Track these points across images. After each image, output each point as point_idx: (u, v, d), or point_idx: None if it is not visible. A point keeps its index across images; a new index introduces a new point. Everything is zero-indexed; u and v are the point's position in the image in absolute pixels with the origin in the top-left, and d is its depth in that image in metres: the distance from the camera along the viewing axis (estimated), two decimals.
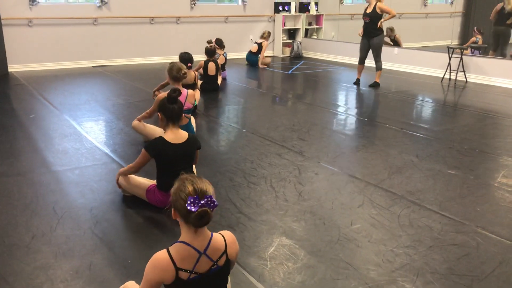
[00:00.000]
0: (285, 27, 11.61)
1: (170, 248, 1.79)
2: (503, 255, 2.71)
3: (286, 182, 3.74)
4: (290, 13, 11.59)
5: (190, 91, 4.74)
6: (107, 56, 9.85)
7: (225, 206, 3.30)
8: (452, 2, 13.61)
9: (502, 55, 8.78)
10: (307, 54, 11.73)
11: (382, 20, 7.45)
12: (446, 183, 3.79)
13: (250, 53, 9.95)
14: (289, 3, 11.55)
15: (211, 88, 7.24)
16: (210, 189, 1.75)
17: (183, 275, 1.76)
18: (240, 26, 11.15)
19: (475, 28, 10.09)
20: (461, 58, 8.21)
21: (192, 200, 1.68)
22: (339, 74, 9.39)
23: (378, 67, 7.77)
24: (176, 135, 3.15)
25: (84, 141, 4.79)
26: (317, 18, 11.95)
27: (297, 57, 11.43)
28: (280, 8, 11.40)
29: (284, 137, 4.97)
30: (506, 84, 7.89)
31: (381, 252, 2.74)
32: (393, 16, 7.43)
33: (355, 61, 10.34)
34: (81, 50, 9.55)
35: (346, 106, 6.75)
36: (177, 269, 1.75)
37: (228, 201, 3.39)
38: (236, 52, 10.85)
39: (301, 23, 11.78)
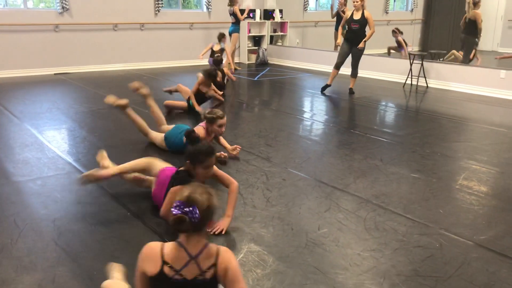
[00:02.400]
0: (250, 34, 11.67)
1: (165, 243, 1.82)
2: (465, 255, 2.79)
3: (254, 188, 3.74)
4: (255, 20, 11.66)
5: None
6: (69, 63, 9.65)
7: None
8: (412, 10, 14.00)
9: (464, 61, 9.07)
10: (273, 60, 11.82)
11: (366, 38, 7.46)
12: (410, 186, 3.87)
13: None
14: (253, 10, 11.62)
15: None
16: (201, 202, 1.75)
17: (168, 271, 1.76)
18: (205, 33, 11.14)
19: (394, 28, 10.49)
20: (422, 64, 8.44)
21: (178, 204, 1.74)
22: (305, 80, 9.50)
23: (355, 74, 7.80)
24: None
25: (46, 150, 4.66)
26: (282, 25, 12.07)
27: (262, 63, 11.50)
28: (246, 15, 11.44)
29: (251, 143, 4.98)
30: (464, 89, 8.16)
31: (348, 255, 2.77)
32: (373, 33, 7.45)
33: (320, 67, 10.52)
34: (42, 57, 9.33)
35: (311, 112, 6.82)
36: (164, 262, 1.77)
37: None
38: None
39: (266, 30, 11.87)
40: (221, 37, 9.27)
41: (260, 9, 11.77)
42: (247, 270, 2.60)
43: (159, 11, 10.48)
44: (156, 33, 10.54)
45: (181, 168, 3.16)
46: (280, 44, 12.08)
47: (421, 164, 4.42)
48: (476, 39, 8.88)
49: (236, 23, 10.21)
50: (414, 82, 8.59)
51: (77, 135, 5.25)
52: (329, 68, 9.84)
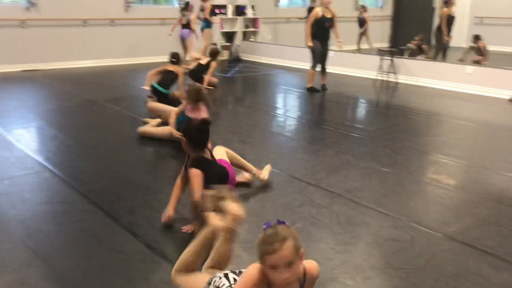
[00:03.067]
0: (222, 30, 11.62)
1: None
2: (435, 248, 2.85)
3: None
4: (227, 16, 11.61)
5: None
6: (38, 60, 9.42)
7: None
8: (382, 6, 14.18)
9: (435, 57, 9.27)
10: (246, 57, 11.81)
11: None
12: (381, 180, 3.93)
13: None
14: (225, 6, 11.57)
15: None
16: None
17: None
18: (177, 29, 11.02)
19: (360, 5, 10.67)
20: (392, 60, 8.57)
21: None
22: (278, 77, 9.52)
23: (325, 70, 7.86)
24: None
25: (14, 149, 4.55)
26: (254, 21, 12.06)
27: (235, 60, 11.48)
28: (217, 11, 11.39)
29: (225, 140, 4.96)
30: (432, 85, 8.32)
31: (322, 250, 2.80)
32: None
33: (292, 64, 10.56)
34: (8, 53, 9.07)
35: (285, 108, 6.85)
36: None
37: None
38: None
39: (238, 26, 11.84)
40: (185, 7, 9.18)
41: (232, 5, 11.74)
42: None
43: (129, 7, 10.33)
44: (127, 29, 10.39)
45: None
46: (252, 40, 12.07)
47: (392, 158, 4.50)
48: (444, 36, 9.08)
49: (208, 19, 10.15)
50: (385, 78, 8.72)
51: (46, 133, 5.14)
52: (301, 65, 9.94)
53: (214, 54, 7.65)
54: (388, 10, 14.30)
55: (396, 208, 3.40)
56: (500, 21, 11.82)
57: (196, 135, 2.98)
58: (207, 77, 7.46)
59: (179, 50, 9.34)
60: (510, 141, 5.24)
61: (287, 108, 6.88)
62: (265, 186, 3.74)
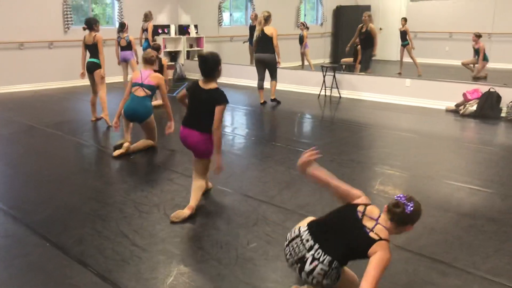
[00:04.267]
0: (166, 50, 11.55)
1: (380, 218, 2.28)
2: None
3: (180, 208, 3.67)
4: (170, 35, 11.56)
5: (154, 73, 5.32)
6: None
7: (117, 240, 3.15)
8: (322, 24, 14.62)
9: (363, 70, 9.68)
10: (190, 75, 11.76)
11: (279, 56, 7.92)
12: (331, 194, 4.00)
13: None
14: (168, 26, 11.52)
15: None
16: (416, 203, 2.29)
17: (360, 209, 2.35)
18: (112, 49, 10.83)
19: (300, 22, 11.07)
20: (334, 76, 8.83)
21: (401, 196, 2.27)
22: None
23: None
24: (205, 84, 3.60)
25: None
26: (198, 40, 12.08)
27: (180, 79, 11.41)
28: (160, 31, 11.33)
29: (174, 161, 4.91)
30: (374, 98, 8.63)
31: (278, 268, 2.81)
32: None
33: (237, 81, 10.65)
34: None
35: (232, 126, 6.87)
36: (365, 205, 2.36)
37: (119, 234, 3.24)
38: (117, 76, 10.48)
39: (182, 46, 11.82)
40: (121, 28, 8.90)
41: (175, 25, 11.71)
42: None
43: (68, 29, 10.07)
44: (66, 51, 10.09)
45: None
46: (196, 59, 12.06)
47: (340, 172, 4.59)
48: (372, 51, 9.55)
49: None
50: (328, 93, 8.95)
51: None
52: (246, 82, 10.04)
53: (155, 50, 7.39)
54: (328, 27, 14.79)
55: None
56: (434, 35, 12.50)
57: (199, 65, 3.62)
58: (165, 75, 7.32)
59: (120, 72, 9.23)
60: (449, 150, 5.51)
61: (235, 125, 6.90)
62: (218, 205, 3.72)
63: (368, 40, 9.48)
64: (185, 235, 3.23)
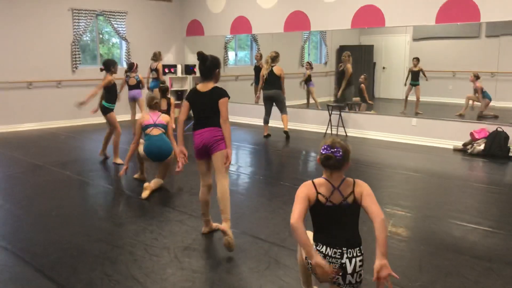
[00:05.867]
0: (172, 89, 11.69)
1: (315, 180, 2.48)
2: None
3: (191, 250, 3.63)
4: (176, 75, 11.73)
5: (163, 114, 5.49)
6: None
7: (128, 284, 3.09)
8: (326, 63, 14.81)
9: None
10: None
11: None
12: None
13: None
14: (175, 66, 11.70)
15: None
16: (340, 145, 2.43)
17: (321, 199, 2.42)
18: (125, 89, 10.97)
19: (306, 62, 11.23)
20: (340, 115, 8.88)
21: (325, 147, 2.43)
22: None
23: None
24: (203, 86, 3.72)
25: None
26: None
27: (187, 118, 11.48)
28: (166, 70, 11.49)
29: (183, 202, 4.87)
30: (380, 137, 8.64)
31: None
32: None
33: (242, 120, 10.71)
34: None
35: (237, 164, 6.85)
36: (317, 192, 2.43)
37: (130, 277, 3.18)
38: (125, 114, 10.56)
39: (188, 85, 11.97)
40: (130, 68, 8.93)
41: (181, 64, 11.89)
42: None
43: (76, 68, 10.23)
44: (74, 90, 10.21)
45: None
46: None
47: None
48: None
49: (158, 78, 10.16)
50: (334, 132, 8.98)
51: None
52: (251, 120, 10.11)
53: (163, 91, 7.46)
54: (332, 66, 14.96)
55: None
56: (437, 74, 12.61)
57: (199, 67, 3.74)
58: (172, 115, 7.34)
59: (128, 111, 9.30)
60: (458, 190, 5.46)
61: (241, 164, 6.89)
62: (229, 250, 3.66)
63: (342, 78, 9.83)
64: (197, 280, 3.17)
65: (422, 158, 7.15)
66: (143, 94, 9.15)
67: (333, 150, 2.40)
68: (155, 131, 5.25)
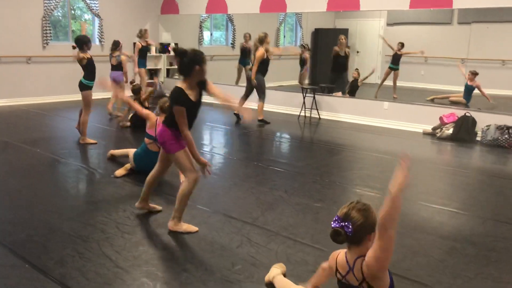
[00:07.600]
0: (146, 68, 11.51)
1: (340, 253, 2.24)
2: None
3: (163, 228, 3.64)
4: (150, 53, 11.55)
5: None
6: None
7: (100, 261, 3.09)
8: (301, 45, 14.82)
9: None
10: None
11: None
12: (315, 216, 4.03)
13: None
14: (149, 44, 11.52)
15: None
16: (356, 218, 2.08)
17: (339, 276, 2.22)
18: (98, 66, 10.76)
19: (302, 43, 11.25)
20: (314, 97, 8.93)
21: (336, 218, 2.11)
22: (203, 113, 9.51)
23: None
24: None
25: None
26: None
27: (160, 96, 11.36)
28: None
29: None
30: (352, 120, 8.75)
31: None
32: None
33: (217, 100, 10.66)
34: None
35: (210, 145, 6.86)
36: (336, 268, 2.22)
37: (102, 255, 3.18)
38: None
39: (162, 64, 11.82)
40: (115, 47, 8.46)
41: (156, 42, 11.72)
42: None
43: (47, 44, 9.97)
44: (45, 66, 9.98)
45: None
46: (176, 77, 12.07)
47: (322, 193, 4.64)
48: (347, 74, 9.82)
49: (141, 57, 9.82)
50: (308, 114, 9.04)
51: None
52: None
53: (135, 91, 7.45)
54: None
55: (331, 243, 3.43)
56: (410, 59, 12.78)
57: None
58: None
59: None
60: (427, 172, 5.61)
61: (213, 145, 6.89)
62: (202, 226, 3.68)
63: (346, 63, 9.73)
64: (169, 257, 3.20)
65: (392, 141, 7.29)
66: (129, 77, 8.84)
67: (343, 224, 2.07)
68: (153, 147, 4.92)
